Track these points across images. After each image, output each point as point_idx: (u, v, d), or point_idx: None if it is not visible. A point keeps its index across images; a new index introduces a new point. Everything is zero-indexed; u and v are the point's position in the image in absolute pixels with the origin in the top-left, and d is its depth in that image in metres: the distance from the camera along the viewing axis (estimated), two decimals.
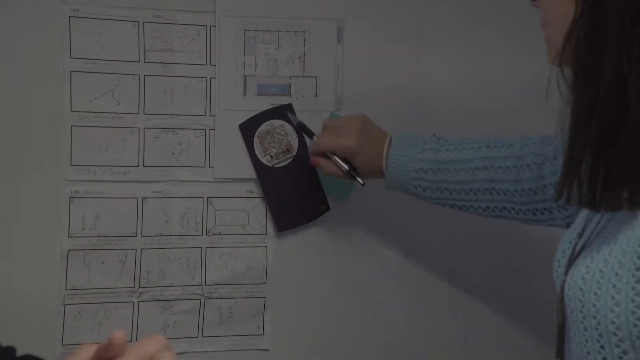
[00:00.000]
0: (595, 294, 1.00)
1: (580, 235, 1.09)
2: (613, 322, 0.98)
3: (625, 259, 0.97)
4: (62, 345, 1.75)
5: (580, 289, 1.02)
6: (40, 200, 1.74)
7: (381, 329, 1.93)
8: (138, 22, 1.76)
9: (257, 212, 1.86)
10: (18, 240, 1.71)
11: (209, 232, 1.85)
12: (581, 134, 1.04)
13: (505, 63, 1.95)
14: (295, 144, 1.88)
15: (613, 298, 0.98)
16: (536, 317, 1.95)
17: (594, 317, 1.00)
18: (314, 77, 1.88)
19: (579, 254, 1.06)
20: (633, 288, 0.96)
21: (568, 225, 1.26)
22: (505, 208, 1.51)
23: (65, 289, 1.77)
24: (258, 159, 1.86)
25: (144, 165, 1.80)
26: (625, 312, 0.96)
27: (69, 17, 1.72)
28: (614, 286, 0.98)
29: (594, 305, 1.00)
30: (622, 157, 0.98)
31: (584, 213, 1.13)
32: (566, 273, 1.07)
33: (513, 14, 1.90)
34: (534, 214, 1.47)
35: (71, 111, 1.74)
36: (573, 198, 1.03)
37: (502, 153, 1.55)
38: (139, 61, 1.77)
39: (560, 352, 1.09)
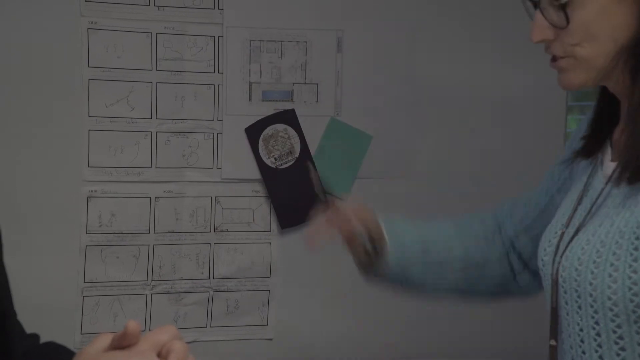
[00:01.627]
0: (592, 272, 1.00)
1: (566, 226, 1.09)
2: (610, 299, 0.98)
3: (623, 239, 0.98)
4: (81, 334, 1.79)
5: (576, 269, 1.03)
6: (60, 199, 1.77)
7: (379, 320, 1.95)
8: (151, 33, 1.81)
9: (261, 211, 1.90)
10: (40, 237, 1.74)
11: (216, 229, 1.88)
12: None
13: (496, 74, 1.97)
14: (297, 146, 1.91)
15: (610, 275, 0.98)
16: (531, 303, 1.96)
17: (590, 295, 1.00)
18: (315, 84, 1.92)
19: (572, 239, 1.05)
20: (630, 266, 0.97)
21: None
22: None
23: (84, 282, 1.80)
24: (263, 161, 1.89)
25: (156, 167, 1.84)
26: (622, 289, 0.97)
27: (87, 29, 1.77)
28: (612, 264, 0.98)
29: (591, 284, 1.00)
30: None
31: (565, 208, 1.14)
32: (560, 257, 1.05)
33: (504, 27, 1.92)
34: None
35: (89, 116, 1.79)
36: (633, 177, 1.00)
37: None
38: (151, 69, 1.82)
39: (554, 332, 1.09)
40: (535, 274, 1.25)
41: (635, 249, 0.98)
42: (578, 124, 1.24)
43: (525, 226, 1.26)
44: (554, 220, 1.14)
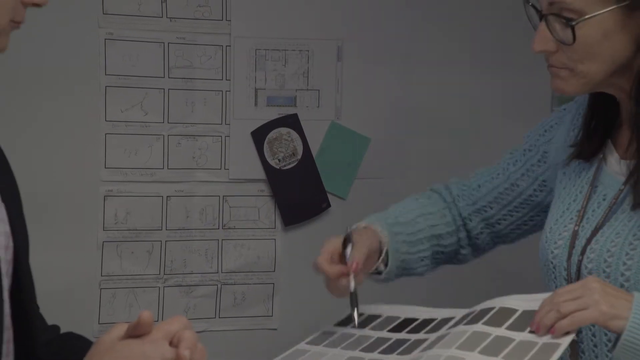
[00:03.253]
0: (625, 263, 1.00)
1: (579, 221, 1.07)
2: None
3: None
4: (99, 324, 1.81)
5: (605, 261, 1.02)
6: (78, 198, 1.79)
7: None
8: (163, 43, 1.83)
9: (266, 209, 1.91)
10: (60, 234, 1.75)
11: (224, 226, 1.89)
12: None
13: (485, 82, 1.97)
14: (300, 149, 1.92)
15: None
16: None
17: (622, 285, 0.99)
18: (316, 90, 1.93)
19: (594, 233, 1.04)
20: None
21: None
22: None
23: (101, 276, 1.82)
24: (267, 162, 1.90)
25: (168, 168, 1.86)
26: None
27: (105, 39, 1.79)
28: None
29: (622, 275, 1.00)
30: None
31: (566, 203, 1.12)
32: (582, 251, 1.04)
33: (493, 38, 1.93)
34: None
35: (106, 121, 1.81)
36: None
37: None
38: (164, 77, 1.84)
39: None
40: (476, 249, 1.27)
41: None
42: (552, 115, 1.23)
43: (479, 207, 1.26)
44: (556, 214, 1.13)
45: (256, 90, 1.90)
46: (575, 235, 1.09)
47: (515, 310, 0.97)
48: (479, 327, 0.95)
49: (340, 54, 1.93)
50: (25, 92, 1.74)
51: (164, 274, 1.86)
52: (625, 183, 1.05)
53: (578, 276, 1.07)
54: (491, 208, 1.25)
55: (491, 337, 0.93)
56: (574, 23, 1.00)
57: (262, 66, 1.89)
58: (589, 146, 1.12)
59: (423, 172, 1.96)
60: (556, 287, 1.09)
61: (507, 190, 1.24)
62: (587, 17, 1.00)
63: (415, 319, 1.08)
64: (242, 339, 1.90)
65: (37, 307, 0.99)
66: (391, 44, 1.95)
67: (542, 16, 1.04)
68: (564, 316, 0.91)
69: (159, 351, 0.81)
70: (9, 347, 0.90)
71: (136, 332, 0.82)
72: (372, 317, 1.11)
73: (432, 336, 1.00)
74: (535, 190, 1.22)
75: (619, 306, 0.91)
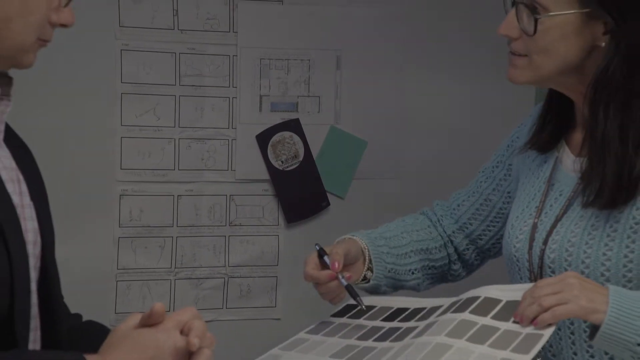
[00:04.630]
0: (585, 252, 1.02)
1: (537, 215, 1.08)
2: (603, 275, 1.01)
3: (619, 223, 1.01)
4: (115, 313, 1.82)
5: (567, 250, 1.04)
6: (96, 197, 1.80)
7: None
8: (175, 53, 1.85)
9: (270, 207, 1.92)
10: (79, 230, 1.76)
11: (231, 223, 1.91)
12: (614, 146, 1.02)
13: (473, 88, 1.99)
14: (301, 151, 1.94)
15: (604, 255, 1.01)
16: None
17: (582, 272, 1.01)
18: (317, 96, 1.94)
19: (552, 230, 1.06)
20: (627, 246, 1.00)
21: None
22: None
23: (117, 269, 1.83)
24: (271, 164, 1.91)
25: (178, 169, 1.87)
26: (616, 265, 1.00)
27: (121, 50, 1.81)
28: (606, 245, 1.01)
29: (583, 262, 1.02)
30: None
31: (525, 200, 1.13)
32: (543, 242, 1.05)
33: (480, 49, 1.94)
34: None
35: (121, 125, 1.82)
36: (598, 201, 1.02)
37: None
38: (175, 85, 1.85)
39: None
40: (465, 264, 1.29)
41: (635, 232, 1.02)
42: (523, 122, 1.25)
43: (461, 225, 1.27)
44: (517, 211, 1.15)
45: (261, 96, 1.91)
46: (534, 227, 1.11)
47: (499, 301, 0.98)
48: (466, 315, 0.97)
49: (339, 63, 1.94)
50: (48, 99, 1.75)
51: (175, 268, 1.88)
52: (581, 179, 1.08)
53: (541, 266, 1.09)
54: (471, 224, 1.27)
55: (478, 325, 0.94)
56: (538, 16, 1.03)
57: (267, 74, 1.90)
58: (543, 137, 1.14)
59: (416, 173, 2.00)
60: (520, 278, 1.12)
61: (482, 206, 1.26)
62: (551, 14, 1.03)
63: (407, 309, 1.09)
64: (248, 328, 1.91)
65: (62, 298, 1.02)
66: (386, 54, 1.96)
67: (514, 3, 1.07)
68: (546, 310, 0.92)
69: (170, 339, 0.83)
70: (36, 334, 0.92)
71: (150, 322, 0.83)
72: (368, 308, 1.13)
73: (422, 324, 1.02)
74: (504, 202, 1.24)
75: (596, 300, 0.93)
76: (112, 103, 1.82)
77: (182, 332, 0.85)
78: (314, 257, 1.16)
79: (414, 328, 1.02)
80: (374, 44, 1.95)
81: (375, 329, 1.06)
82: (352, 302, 1.14)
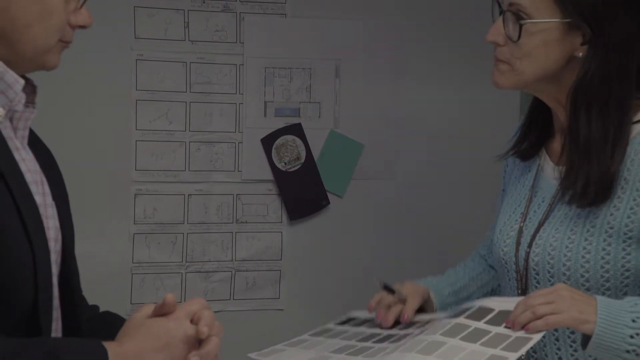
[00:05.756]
0: (566, 255, 1.03)
1: (522, 220, 1.09)
2: (582, 276, 1.02)
3: (595, 228, 1.01)
4: (131, 304, 1.83)
5: (549, 254, 1.04)
6: (113, 196, 1.81)
7: (374, 292, 1.98)
8: (186, 62, 1.85)
9: (274, 206, 1.93)
10: (97, 227, 1.76)
11: (237, 220, 1.91)
12: (593, 148, 1.02)
13: (463, 96, 2.00)
14: (303, 153, 1.94)
15: (583, 257, 1.02)
16: None
17: (564, 274, 1.03)
18: (317, 102, 1.95)
19: (537, 231, 1.06)
20: (604, 249, 1.01)
21: None
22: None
23: (132, 263, 1.84)
24: (275, 165, 1.92)
25: (189, 170, 1.88)
26: (594, 267, 1.01)
27: (136, 60, 1.82)
28: (584, 248, 1.02)
29: (564, 265, 1.03)
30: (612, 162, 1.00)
31: (512, 206, 1.13)
32: (528, 246, 1.06)
33: (470, 59, 1.94)
34: None
35: (136, 129, 1.83)
36: (574, 198, 1.02)
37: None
38: (186, 92, 1.86)
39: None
40: None
41: (609, 236, 1.03)
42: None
43: None
44: (504, 217, 1.16)
45: (265, 103, 1.91)
46: (520, 231, 1.12)
47: (492, 310, 0.99)
48: (461, 320, 0.98)
49: (338, 72, 1.95)
50: (69, 105, 1.76)
51: (186, 262, 1.88)
52: (560, 184, 1.09)
53: (526, 267, 1.10)
54: None
55: (471, 328, 0.96)
56: (522, 22, 1.04)
57: (271, 82, 1.91)
58: (524, 145, 1.15)
59: (409, 174, 2.01)
60: (509, 280, 1.13)
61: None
62: (534, 21, 1.04)
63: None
64: (253, 317, 1.92)
65: (81, 290, 1.02)
66: (381, 63, 1.97)
67: (501, 12, 1.08)
68: (538, 318, 0.93)
69: (181, 328, 0.84)
70: (57, 324, 0.93)
71: (162, 312, 0.85)
72: (368, 319, 1.12)
73: (417, 331, 1.03)
74: None
75: (586, 311, 0.94)
76: (128, 109, 1.83)
77: (192, 321, 0.85)
78: (385, 298, 1.12)
79: (411, 333, 1.03)
80: (370, 54, 1.96)
81: (375, 334, 1.07)
82: (354, 313, 1.14)
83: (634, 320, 0.93)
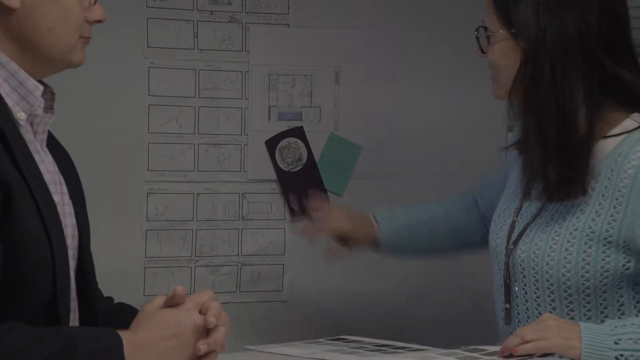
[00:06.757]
0: (549, 255, 1.05)
1: (516, 214, 1.11)
2: (564, 275, 1.04)
3: (577, 231, 1.03)
4: (144, 295, 1.82)
5: (534, 253, 1.06)
6: (127, 195, 1.81)
7: (374, 289, 1.95)
8: (195, 69, 1.86)
9: (277, 204, 1.93)
10: (112, 224, 1.76)
11: (243, 218, 1.91)
12: (533, 145, 1.05)
13: (456, 101, 1.99)
14: (305, 155, 1.94)
15: (565, 258, 1.04)
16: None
17: (547, 273, 1.05)
18: (318, 107, 1.95)
19: (525, 229, 1.09)
20: (585, 251, 1.03)
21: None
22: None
23: (145, 257, 1.84)
24: (278, 166, 1.92)
25: (198, 171, 1.88)
26: (575, 268, 1.03)
27: (148, 67, 1.83)
28: (566, 250, 1.04)
29: (547, 264, 1.05)
30: (562, 163, 1.03)
31: (509, 198, 1.16)
32: (514, 243, 1.08)
33: (462, 66, 1.93)
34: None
35: (148, 132, 1.84)
36: (535, 194, 1.06)
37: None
38: (195, 97, 1.86)
39: (508, 297, 1.11)
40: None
41: (590, 239, 1.04)
42: None
43: (489, 206, 1.29)
44: (501, 207, 1.17)
45: (269, 107, 1.92)
46: (512, 225, 1.13)
47: (486, 349, 1.01)
48: (455, 351, 1.00)
49: (338, 78, 1.95)
50: (86, 110, 1.77)
51: (195, 257, 1.89)
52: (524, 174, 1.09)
53: (513, 262, 1.11)
54: (496, 207, 1.25)
55: (464, 354, 0.98)
56: (485, 34, 1.09)
57: (274, 88, 1.91)
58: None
59: (405, 174, 2.00)
60: (500, 270, 1.14)
61: (501, 191, 1.25)
62: (490, 33, 1.08)
63: (395, 346, 1.09)
64: (258, 309, 1.92)
65: (96, 283, 1.04)
66: (379, 70, 1.97)
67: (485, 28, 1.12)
68: (527, 342, 0.96)
69: (190, 318, 0.85)
70: (75, 314, 0.95)
71: (172, 303, 0.87)
72: (358, 340, 1.13)
73: (410, 353, 1.04)
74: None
75: (571, 337, 0.97)
76: (141, 113, 1.83)
77: (200, 311, 0.87)
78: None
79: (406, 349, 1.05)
80: (368, 61, 1.97)
81: (371, 346, 1.08)
82: (344, 336, 1.15)
83: (616, 342, 0.95)
